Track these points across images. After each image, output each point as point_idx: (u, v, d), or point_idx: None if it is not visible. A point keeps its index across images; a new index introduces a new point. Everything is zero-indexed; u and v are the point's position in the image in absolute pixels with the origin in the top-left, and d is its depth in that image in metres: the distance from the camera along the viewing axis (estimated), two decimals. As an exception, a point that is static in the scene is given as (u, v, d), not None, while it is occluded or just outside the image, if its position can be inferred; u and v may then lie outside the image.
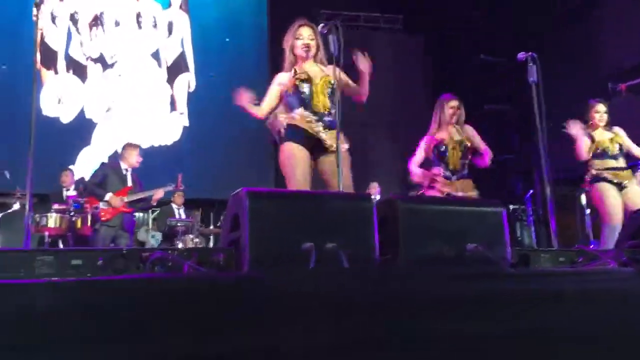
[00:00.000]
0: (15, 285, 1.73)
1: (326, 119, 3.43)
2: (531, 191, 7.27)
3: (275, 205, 2.34)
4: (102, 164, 6.07)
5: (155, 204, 6.17)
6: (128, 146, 6.05)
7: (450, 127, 4.46)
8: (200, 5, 9.19)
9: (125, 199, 5.76)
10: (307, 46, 3.52)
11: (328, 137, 3.39)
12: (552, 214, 3.84)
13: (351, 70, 3.55)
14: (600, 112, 4.66)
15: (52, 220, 6.00)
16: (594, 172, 4.60)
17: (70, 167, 7.39)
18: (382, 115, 9.06)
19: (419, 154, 4.45)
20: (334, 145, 3.28)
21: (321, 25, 3.41)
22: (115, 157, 7.27)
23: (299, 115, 3.40)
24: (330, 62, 3.45)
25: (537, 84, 3.70)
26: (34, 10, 3.41)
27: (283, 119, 3.46)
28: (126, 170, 5.92)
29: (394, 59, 9.93)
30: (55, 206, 6.02)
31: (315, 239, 2.29)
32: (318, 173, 3.50)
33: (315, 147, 3.42)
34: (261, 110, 3.54)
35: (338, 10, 9.90)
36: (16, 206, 6.07)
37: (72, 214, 5.89)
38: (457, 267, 2.47)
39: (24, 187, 6.25)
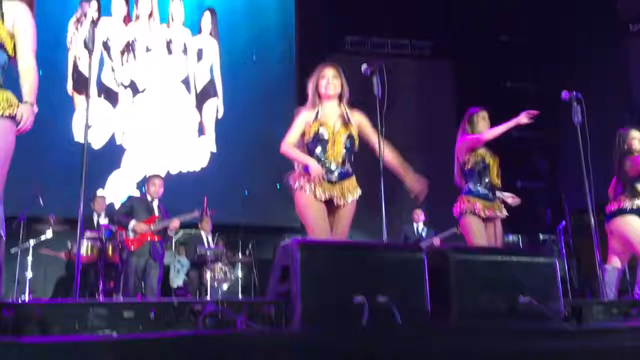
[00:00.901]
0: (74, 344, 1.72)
1: (339, 170, 3.40)
2: (563, 222, 7.15)
3: (326, 257, 2.32)
4: (129, 196, 6.10)
5: (172, 233, 6.14)
6: (149, 177, 6.11)
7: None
8: (229, 31, 9.27)
9: (152, 227, 5.76)
10: (331, 85, 3.46)
11: (338, 193, 3.38)
12: (598, 249, 3.78)
13: (392, 111, 3.49)
14: (636, 137, 4.55)
15: (84, 247, 6.04)
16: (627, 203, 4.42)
17: (100, 191, 7.43)
18: (411, 141, 9.03)
19: (458, 163, 4.27)
20: (344, 200, 3.37)
21: (364, 66, 3.38)
22: (144, 183, 7.29)
23: (312, 171, 3.32)
24: (368, 105, 3.44)
25: (582, 125, 3.64)
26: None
27: (295, 176, 3.42)
28: (151, 200, 5.94)
29: (422, 85, 9.93)
30: (87, 233, 6.04)
31: (367, 291, 2.26)
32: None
33: (328, 200, 3.39)
34: (285, 144, 3.45)
35: (365, 37, 9.96)
36: (48, 233, 6.12)
37: (103, 241, 5.92)
38: (510, 322, 2.42)
39: (56, 213, 6.38)
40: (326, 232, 3.30)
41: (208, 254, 6.71)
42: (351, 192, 3.41)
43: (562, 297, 2.60)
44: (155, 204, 5.95)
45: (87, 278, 6.10)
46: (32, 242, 6.06)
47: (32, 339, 1.82)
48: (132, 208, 5.86)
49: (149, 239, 5.73)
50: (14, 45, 2.59)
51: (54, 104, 7.66)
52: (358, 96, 3.65)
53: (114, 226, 5.97)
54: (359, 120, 3.53)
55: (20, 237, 5.95)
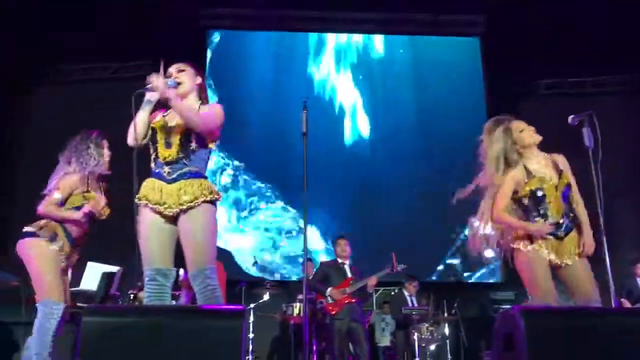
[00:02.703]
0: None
1: (563, 225, 3.19)
2: None
3: (553, 324, 2.20)
4: (321, 262, 6.31)
5: (371, 291, 6.18)
6: (335, 239, 6.28)
7: None
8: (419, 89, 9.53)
9: (348, 290, 5.89)
10: (526, 132, 3.32)
11: (564, 249, 3.15)
12: None
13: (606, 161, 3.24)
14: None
15: (297, 309, 6.41)
16: None
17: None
18: (617, 186, 8.26)
19: None
20: (571, 258, 3.14)
21: (571, 117, 3.24)
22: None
23: (538, 232, 3.17)
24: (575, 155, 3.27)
25: None
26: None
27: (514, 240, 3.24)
28: (342, 263, 6.08)
29: (629, 122, 9.09)
30: (300, 296, 6.40)
31: (603, 361, 2.10)
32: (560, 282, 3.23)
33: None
34: (497, 212, 3.30)
35: (561, 78, 9.46)
36: (266, 297, 6.61)
37: (314, 304, 6.20)
38: None
39: (272, 278, 6.95)
40: (552, 292, 3.08)
41: (413, 313, 6.68)
42: (574, 248, 3.18)
43: None
44: (347, 265, 6.09)
45: (301, 338, 6.41)
46: (252, 305, 6.58)
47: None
48: (326, 275, 6.06)
49: (346, 302, 5.89)
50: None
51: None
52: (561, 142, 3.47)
53: (313, 293, 6.17)
54: (562, 160, 3.34)
55: (242, 300, 6.50)
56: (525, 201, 3.25)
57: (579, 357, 2.15)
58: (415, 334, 6.47)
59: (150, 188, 2.85)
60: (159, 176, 2.86)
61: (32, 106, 9.12)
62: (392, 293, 7.98)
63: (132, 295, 5.50)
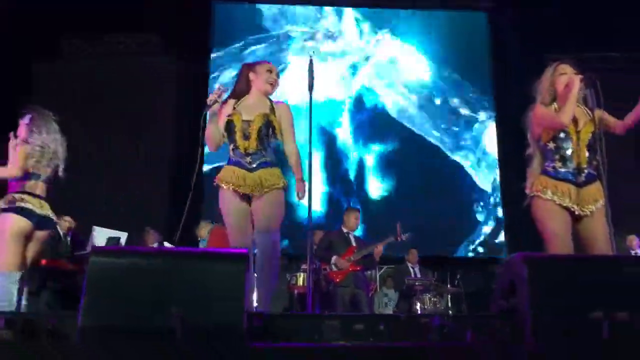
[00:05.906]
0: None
1: (584, 174, 3.11)
2: None
3: (556, 272, 2.20)
4: (326, 232, 6.33)
5: (378, 259, 6.18)
6: (349, 210, 6.31)
7: None
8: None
9: (352, 258, 5.92)
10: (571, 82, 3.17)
11: (582, 199, 3.08)
12: None
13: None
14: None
15: (301, 279, 6.45)
16: None
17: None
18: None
19: None
20: (589, 207, 3.07)
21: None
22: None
23: (550, 181, 3.12)
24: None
25: None
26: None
27: (533, 187, 3.19)
28: (348, 233, 6.12)
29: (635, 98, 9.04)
30: (304, 266, 6.43)
31: (606, 307, 2.09)
32: (576, 238, 3.13)
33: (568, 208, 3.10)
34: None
35: (566, 55, 9.38)
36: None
37: (318, 272, 6.23)
38: None
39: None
40: (569, 247, 3.01)
41: (416, 284, 6.71)
42: (595, 199, 3.08)
43: None
44: (352, 235, 6.11)
45: (305, 307, 6.44)
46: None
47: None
48: (330, 243, 6.08)
49: (351, 270, 5.93)
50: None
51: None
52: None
53: (318, 261, 6.18)
54: (599, 114, 3.14)
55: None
56: (549, 144, 3.17)
57: (583, 306, 2.15)
58: (418, 304, 6.50)
59: (231, 174, 3.29)
60: (240, 165, 3.30)
61: (38, 80, 9.12)
62: (398, 267, 8.02)
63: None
